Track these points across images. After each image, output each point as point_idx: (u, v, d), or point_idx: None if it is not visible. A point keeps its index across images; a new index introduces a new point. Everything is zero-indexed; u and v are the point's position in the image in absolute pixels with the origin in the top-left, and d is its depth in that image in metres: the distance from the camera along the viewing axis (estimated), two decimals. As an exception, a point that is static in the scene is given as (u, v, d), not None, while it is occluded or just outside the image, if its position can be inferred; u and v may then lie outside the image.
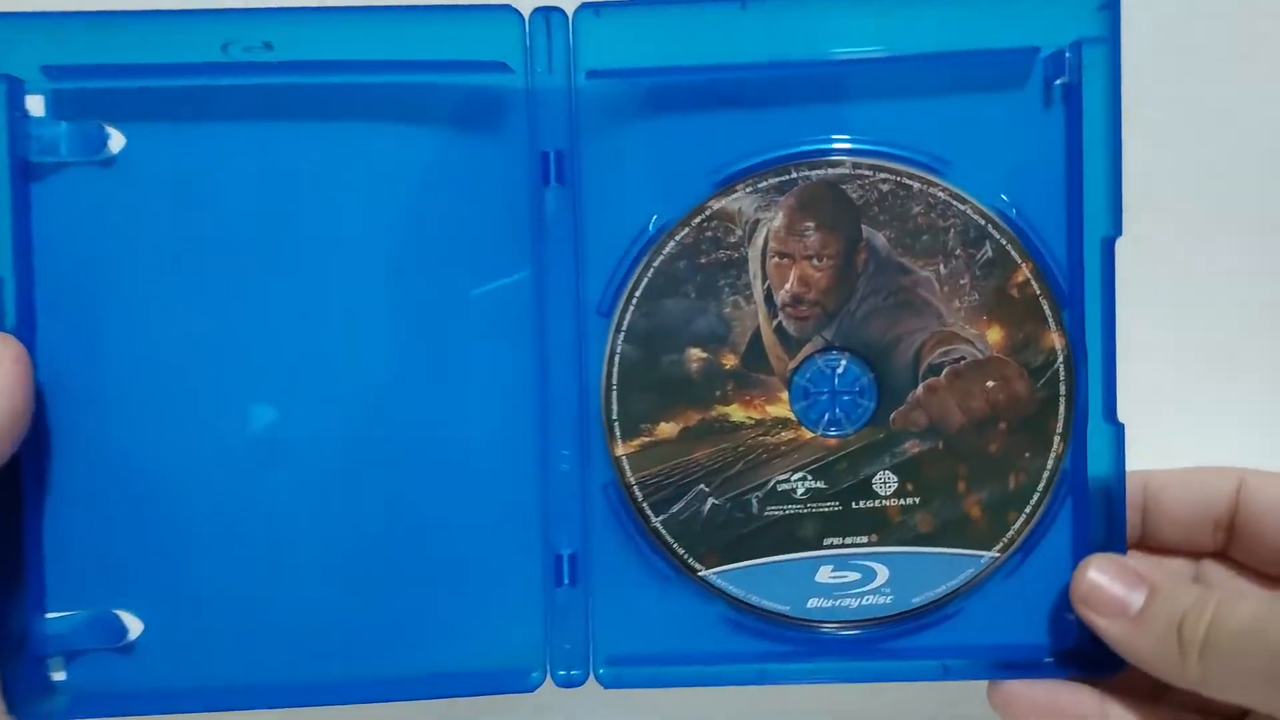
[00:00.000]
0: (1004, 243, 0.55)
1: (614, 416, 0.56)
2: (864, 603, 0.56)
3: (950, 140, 0.54)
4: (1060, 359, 0.55)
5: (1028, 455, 0.56)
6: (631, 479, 0.56)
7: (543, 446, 0.55)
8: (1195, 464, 0.56)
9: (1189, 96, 0.66)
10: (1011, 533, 0.56)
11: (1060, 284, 0.56)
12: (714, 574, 0.56)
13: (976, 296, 0.56)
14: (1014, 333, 0.55)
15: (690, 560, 0.56)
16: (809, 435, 0.56)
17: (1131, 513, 0.56)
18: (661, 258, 0.56)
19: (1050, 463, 0.56)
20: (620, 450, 0.56)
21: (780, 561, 0.56)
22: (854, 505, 0.56)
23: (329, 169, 0.52)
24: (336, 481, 0.53)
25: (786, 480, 0.56)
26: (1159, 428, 0.57)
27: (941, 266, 0.56)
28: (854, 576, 0.56)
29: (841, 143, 0.55)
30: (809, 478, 0.57)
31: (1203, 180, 0.67)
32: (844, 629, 0.56)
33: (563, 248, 0.55)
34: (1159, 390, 0.63)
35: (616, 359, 0.56)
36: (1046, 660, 0.54)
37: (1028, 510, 0.56)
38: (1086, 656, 0.53)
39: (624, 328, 0.56)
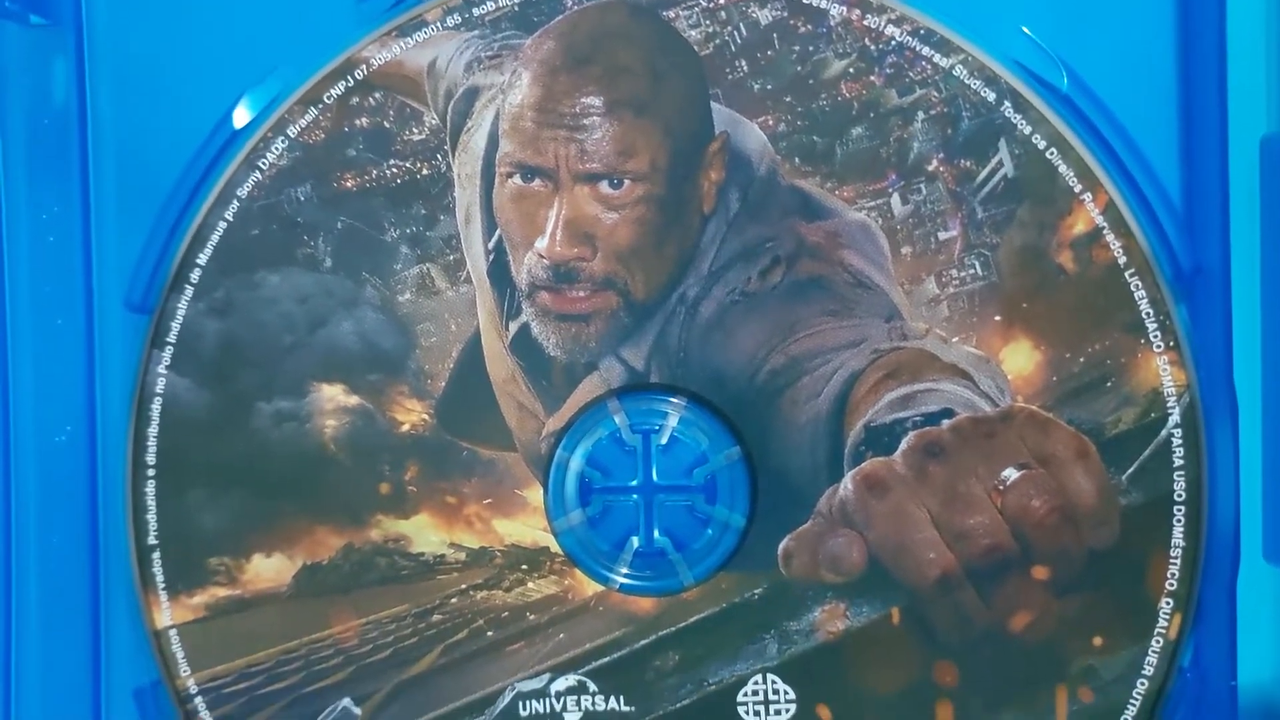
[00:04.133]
0: (1044, 145, 0.28)
1: (151, 540, 0.29)
2: None
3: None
4: (1175, 416, 0.28)
5: (1098, 643, 0.28)
6: (191, 682, 0.29)
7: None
8: None
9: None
10: (1063, 827, 0.29)
11: (1175, 242, 0.29)
12: None
13: (978, 269, 0.28)
14: (1068, 354, 0.28)
15: None
16: (591, 590, 0.29)
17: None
18: (255, 180, 0.29)
19: (1151, 659, 0.28)
20: (166, 617, 0.29)
21: None
22: (694, 757, 0.29)
23: None
24: None
25: (539, 691, 0.29)
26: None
27: (897, 199, 0.29)
28: None
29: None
30: (590, 687, 0.29)
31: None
32: None
33: (50, 162, 0.30)
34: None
35: (157, 409, 0.29)
36: None
37: (1100, 772, 0.29)
38: None
39: (172, 339, 0.29)
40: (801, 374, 0.28)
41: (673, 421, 0.29)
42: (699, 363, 0.29)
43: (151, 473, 0.29)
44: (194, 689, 0.29)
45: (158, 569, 0.29)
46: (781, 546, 0.29)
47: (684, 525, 0.29)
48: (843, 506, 0.28)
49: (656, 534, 0.29)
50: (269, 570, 0.29)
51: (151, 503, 0.29)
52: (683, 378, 0.29)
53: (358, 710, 0.29)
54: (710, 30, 0.28)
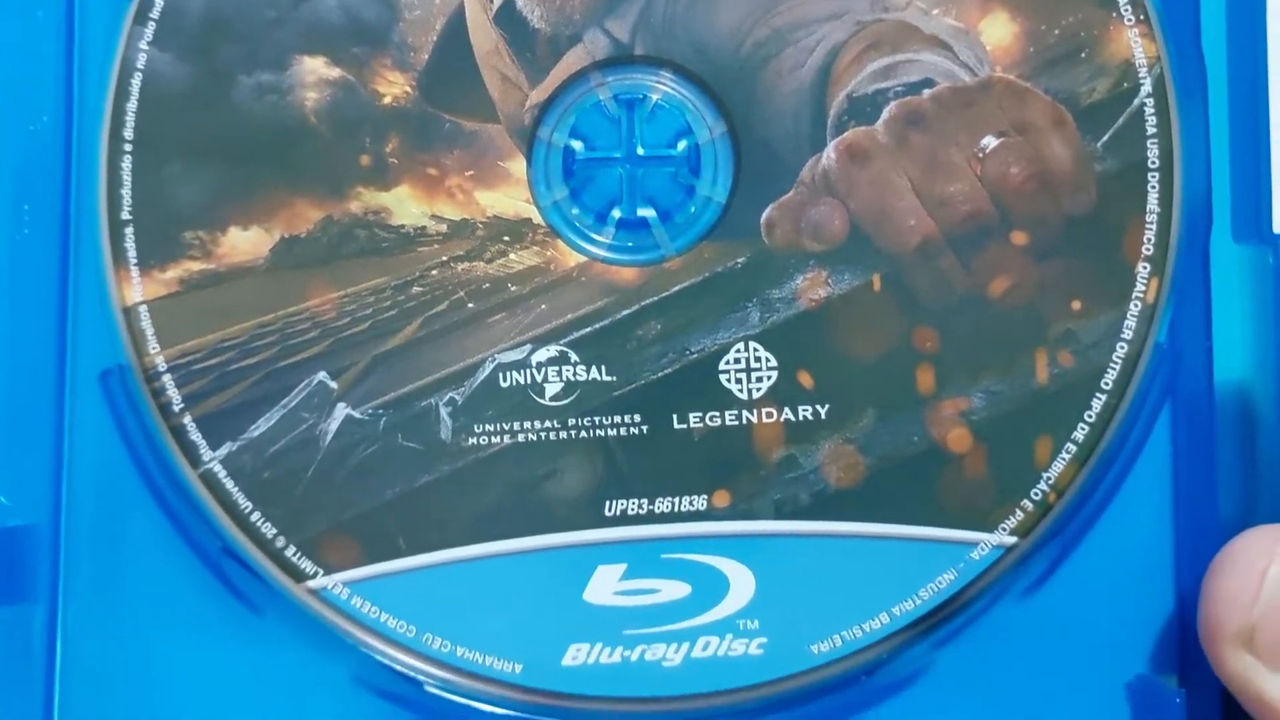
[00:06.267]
0: None
1: (125, 214, 0.29)
2: (700, 653, 0.28)
3: None
4: (1146, 86, 0.29)
5: (1076, 307, 0.28)
6: (160, 359, 0.29)
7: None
8: None
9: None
10: (1043, 487, 0.28)
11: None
12: (343, 584, 0.28)
13: (956, -59, 0.29)
14: (1043, 25, 0.29)
15: (290, 552, 0.28)
16: (574, 260, 0.29)
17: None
18: None
19: (1130, 323, 0.29)
20: (136, 293, 0.29)
21: (502, 557, 0.28)
22: (676, 423, 0.27)
23: None
24: None
25: (520, 362, 0.29)
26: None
27: (876, -126, 0.29)
28: (674, 593, 0.28)
29: None
30: (571, 358, 0.29)
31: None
32: (647, 714, 0.28)
33: None
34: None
35: (137, 84, 0.29)
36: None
37: (1078, 436, 0.28)
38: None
39: (155, 14, 0.29)
40: (785, 45, 0.28)
41: (656, 94, 0.29)
42: (683, 35, 0.29)
43: (129, 147, 0.28)
44: (162, 366, 0.28)
45: (130, 244, 0.28)
46: (764, 216, 0.28)
47: (667, 195, 0.29)
48: (825, 175, 0.28)
49: (640, 205, 0.29)
50: (245, 243, 0.28)
51: (127, 177, 0.28)
52: (667, 50, 0.29)
53: (334, 384, 0.28)
54: None
